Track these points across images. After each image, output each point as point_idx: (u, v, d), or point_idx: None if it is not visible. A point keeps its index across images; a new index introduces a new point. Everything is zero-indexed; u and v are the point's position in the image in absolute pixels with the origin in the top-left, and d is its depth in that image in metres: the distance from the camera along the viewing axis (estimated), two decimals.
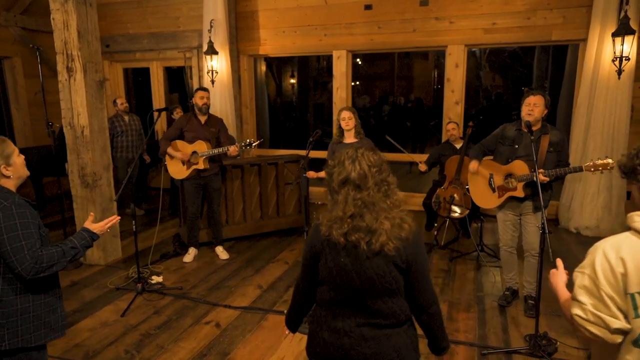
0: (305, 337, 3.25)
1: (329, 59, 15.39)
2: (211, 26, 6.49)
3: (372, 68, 16.43)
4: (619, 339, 1.37)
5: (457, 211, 5.03)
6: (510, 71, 13.64)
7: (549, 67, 8.75)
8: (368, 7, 6.34)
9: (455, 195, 4.97)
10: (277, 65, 13.40)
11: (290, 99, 14.14)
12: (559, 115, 6.63)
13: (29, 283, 1.92)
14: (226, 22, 6.58)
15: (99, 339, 3.32)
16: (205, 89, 4.68)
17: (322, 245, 1.66)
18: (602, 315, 1.37)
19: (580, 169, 3.08)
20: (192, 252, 4.84)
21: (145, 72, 8.30)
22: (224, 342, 3.27)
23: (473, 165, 3.58)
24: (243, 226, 5.37)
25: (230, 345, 3.23)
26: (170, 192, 6.43)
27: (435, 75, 17.41)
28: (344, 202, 1.60)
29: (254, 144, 4.50)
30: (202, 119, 4.61)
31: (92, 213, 2.25)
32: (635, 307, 1.34)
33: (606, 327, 1.36)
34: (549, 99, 3.27)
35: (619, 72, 5.03)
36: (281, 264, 4.68)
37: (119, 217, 2.34)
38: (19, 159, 1.98)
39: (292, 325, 2.01)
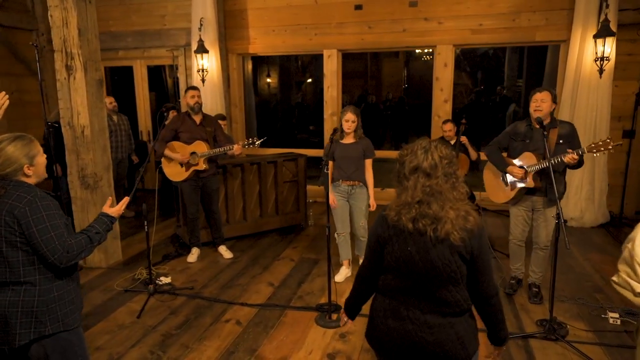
0: (330, 330, 3.34)
1: (303, 59, 15.51)
2: (201, 24, 6.43)
3: (345, 67, 16.59)
4: None
5: None
6: (482, 70, 14.11)
7: (524, 66, 9.13)
8: (358, 7, 6.45)
9: None
10: (252, 64, 13.34)
11: (266, 98, 14.10)
12: None
13: (60, 271, 1.98)
14: (216, 21, 6.54)
15: (119, 342, 3.28)
16: (196, 88, 4.59)
17: (389, 232, 1.72)
18: (630, 281, 1.62)
19: (583, 151, 3.25)
20: (195, 252, 4.81)
21: (123, 71, 8.12)
22: (248, 339, 3.29)
23: (513, 169, 3.53)
24: (243, 225, 5.37)
25: (256, 341, 3.26)
26: (161, 193, 6.31)
27: (405, 75, 17.80)
28: (413, 188, 1.67)
29: (257, 142, 4.50)
30: (197, 118, 4.54)
31: (110, 197, 2.32)
32: None
33: (631, 290, 1.61)
34: (555, 94, 3.45)
35: (600, 71, 5.35)
36: (287, 262, 4.72)
37: (128, 198, 2.40)
38: (41, 159, 2.02)
39: (352, 312, 2.06)
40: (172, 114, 6.11)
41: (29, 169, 1.95)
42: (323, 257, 4.80)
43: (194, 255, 4.78)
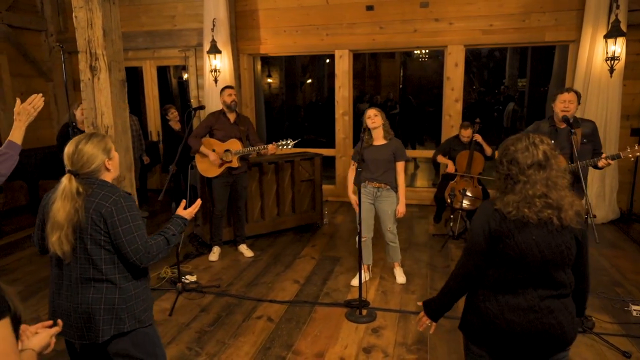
0: (361, 325, 3.40)
1: (302, 59, 15.58)
2: (213, 25, 6.46)
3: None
4: None
5: (467, 203, 5.31)
6: (485, 70, 14.26)
7: (528, 66, 9.25)
8: (370, 7, 6.51)
9: (466, 188, 5.25)
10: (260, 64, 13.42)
11: (267, 99, 14.15)
12: (547, 112, 7.05)
13: (137, 270, 2.03)
14: (228, 21, 6.57)
15: None
16: (232, 87, 4.74)
17: (508, 226, 1.74)
18: None
19: (618, 156, 3.34)
20: (216, 250, 4.85)
21: (126, 71, 8.09)
22: (282, 335, 3.34)
23: None
24: (261, 224, 5.41)
25: (290, 337, 3.31)
26: (170, 193, 6.32)
27: (402, 75, 17.95)
28: (532, 182, 1.73)
29: (290, 144, 4.54)
30: (232, 117, 4.64)
31: (183, 200, 2.32)
32: None
33: None
34: (580, 95, 3.53)
35: (611, 71, 5.46)
36: (308, 259, 4.78)
37: (200, 201, 2.38)
38: (116, 153, 2.06)
39: (439, 314, 2.02)
40: (172, 113, 6.17)
41: (109, 163, 2.00)
42: (343, 255, 4.88)
43: (215, 254, 4.82)
